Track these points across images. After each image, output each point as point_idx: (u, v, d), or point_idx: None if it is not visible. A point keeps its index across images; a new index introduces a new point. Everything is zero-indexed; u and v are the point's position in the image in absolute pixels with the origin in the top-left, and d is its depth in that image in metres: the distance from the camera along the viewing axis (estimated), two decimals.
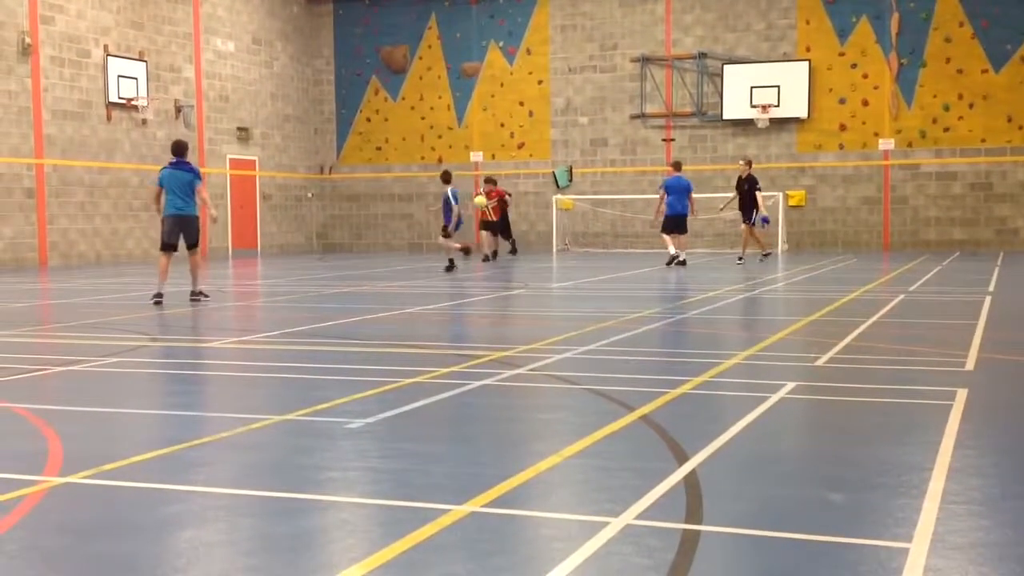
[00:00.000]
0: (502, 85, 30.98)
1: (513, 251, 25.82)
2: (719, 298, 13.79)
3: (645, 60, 29.74)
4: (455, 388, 6.87)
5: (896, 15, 27.78)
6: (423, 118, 31.75)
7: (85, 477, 4.66)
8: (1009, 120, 27.21)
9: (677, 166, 21.67)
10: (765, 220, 21.40)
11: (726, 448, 5.12)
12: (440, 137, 31.63)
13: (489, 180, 25.33)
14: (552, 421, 6.11)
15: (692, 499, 4.25)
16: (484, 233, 24.39)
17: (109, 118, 25.29)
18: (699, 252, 26.79)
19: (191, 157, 14.38)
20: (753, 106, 28.49)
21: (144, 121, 26.24)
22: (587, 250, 29.44)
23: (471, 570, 3.47)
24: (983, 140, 27.40)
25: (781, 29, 28.74)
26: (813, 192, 28.71)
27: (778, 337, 9.40)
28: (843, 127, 28.41)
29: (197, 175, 13.67)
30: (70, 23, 24.28)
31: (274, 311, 13.32)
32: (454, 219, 20.06)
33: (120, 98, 25.33)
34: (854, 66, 28.23)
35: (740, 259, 21.52)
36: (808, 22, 28.50)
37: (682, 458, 4.90)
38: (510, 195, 26.24)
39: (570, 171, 30.45)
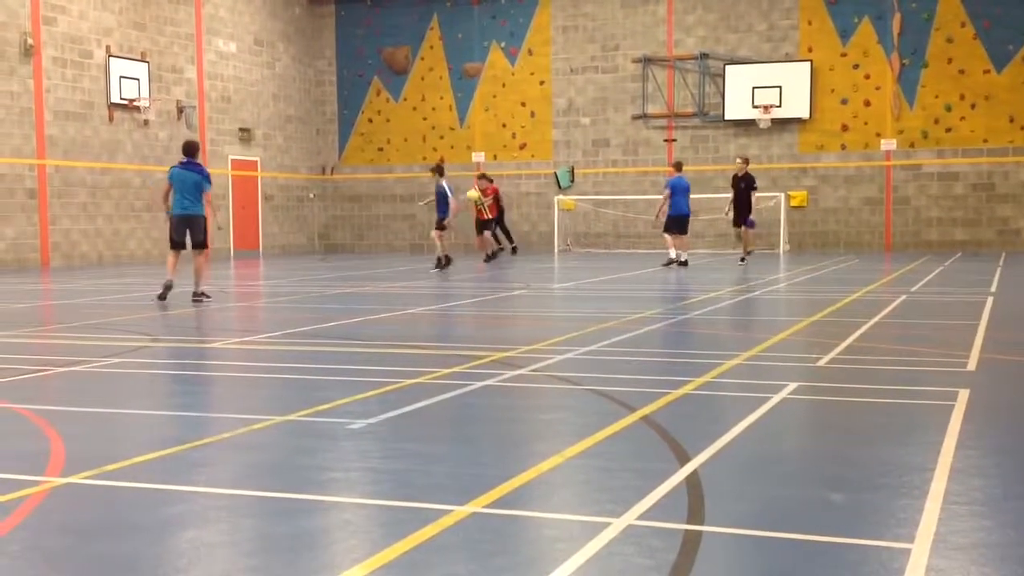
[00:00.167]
0: (504, 86, 30.98)
1: (513, 251, 25.54)
2: (721, 299, 13.78)
3: (647, 61, 29.74)
4: (457, 389, 6.87)
5: (898, 15, 27.77)
6: (425, 119, 31.76)
7: (87, 477, 4.67)
8: (1011, 120, 27.20)
9: (679, 166, 21.67)
10: (749, 223, 21.25)
11: (728, 449, 5.11)
12: (442, 138, 31.64)
13: (484, 177, 24.96)
14: (554, 422, 6.11)
15: (694, 499, 4.25)
16: (484, 234, 24.12)
17: (111, 119, 25.30)
18: (701, 253, 26.78)
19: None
20: (755, 107, 28.49)
21: (146, 122, 26.26)
22: (589, 250, 29.44)
23: (473, 571, 3.47)
24: (985, 140, 27.39)
25: (783, 30, 28.74)
26: (815, 193, 28.70)
27: (780, 337, 9.39)
28: (845, 127, 28.40)
29: (206, 178, 13.78)
30: (72, 24, 24.30)
31: (276, 312, 13.32)
32: (452, 213, 19.87)
33: (122, 99, 25.35)
34: (856, 67, 28.22)
35: (742, 259, 21.49)
36: (810, 23, 28.49)
37: (684, 459, 4.89)
38: (499, 194, 25.77)
39: (572, 172, 30.45)
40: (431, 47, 31.61)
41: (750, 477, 4.69)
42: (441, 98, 31.57)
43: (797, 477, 4.75)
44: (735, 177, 21.37)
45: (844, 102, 28.34)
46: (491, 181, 25.22)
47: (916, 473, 4.68)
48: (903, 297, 13.41)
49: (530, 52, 30.73)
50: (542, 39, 30.62)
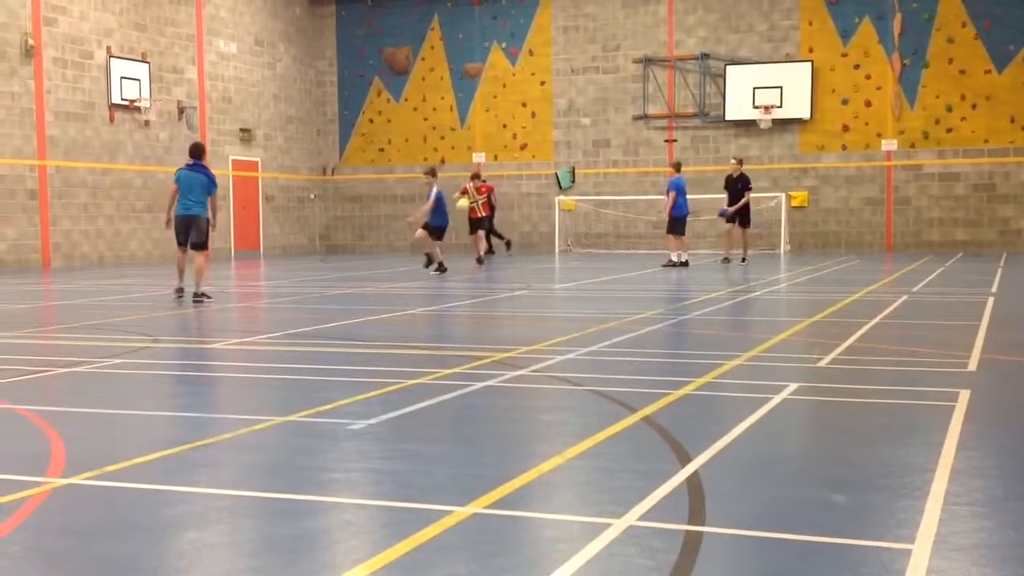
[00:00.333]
0: (504, 86, 30.98)
1: (508, 245, 25.24)
2: (721, 299, 13.78)
3: (647, 61, 29.74)
4: (457, 389, 6.87)
5: (899, 16, 27.77)
6: (426, 119, 31.77)
7: (88, 478, 4.67)
8: (1012, 121, 27.19)
9: (679, 167, 21.67)
10: (723, 213, 21.23)
11: (729, 449, 5.11)
12: (443, 138, 31.64)
13: (475, 176, 24.57)
14: (554, 422, 6.11)
15: (695, 500, 4.25)
16: (477, 233, 23.83)
17: (112, 119, 25.31)
18: (702, 253, 26.78)
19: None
20: (755, 107, 28.49)
21: (147, 123, 26.26)
22: (589, 251, 29.44)
23: (473, 571, 3.47)
24: (986, 141, 27.39)
25: (783, 30, 28.74)
26: (816, 193, 28.70)
27: (780, 338, 9.39)
28: (846, 128, 28.40)
29: (212, 180, 13.99)
30: (73, 25, 24.31)
31: (277, 312, 13.32)
32: (423, 213, 19.37)
33: (123, 99, 25.36)
34: (857, 67, 28.22)
35: (743, 260, 21.49)
36: (811, 23, 28.49)
37: (685, 459, 4.89)
38: (494, 192, 25.35)
39: (572, 172, 30.46)
40: (432, 47, 31.61)
41: (751, 478, 4.69)
42: (442, 98, 31.58)
43: (798, 478, 4.75)
44: (729, 178, 21.30)
45: (845, 102, 28.34)
46: (482, 180, 24.92)
47: (917, 474, 4.67)
48: (904, 297, 13.41)
49: (531, 52, 30.73)
50: (543, 39, 30.63)
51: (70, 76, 24.27)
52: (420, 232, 19.51)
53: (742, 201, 20.89)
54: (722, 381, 7.15)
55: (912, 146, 27.97)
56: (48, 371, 8.09)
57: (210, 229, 14.01)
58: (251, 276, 20.85)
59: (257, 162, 30.25)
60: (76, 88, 24.42)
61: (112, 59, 25.12)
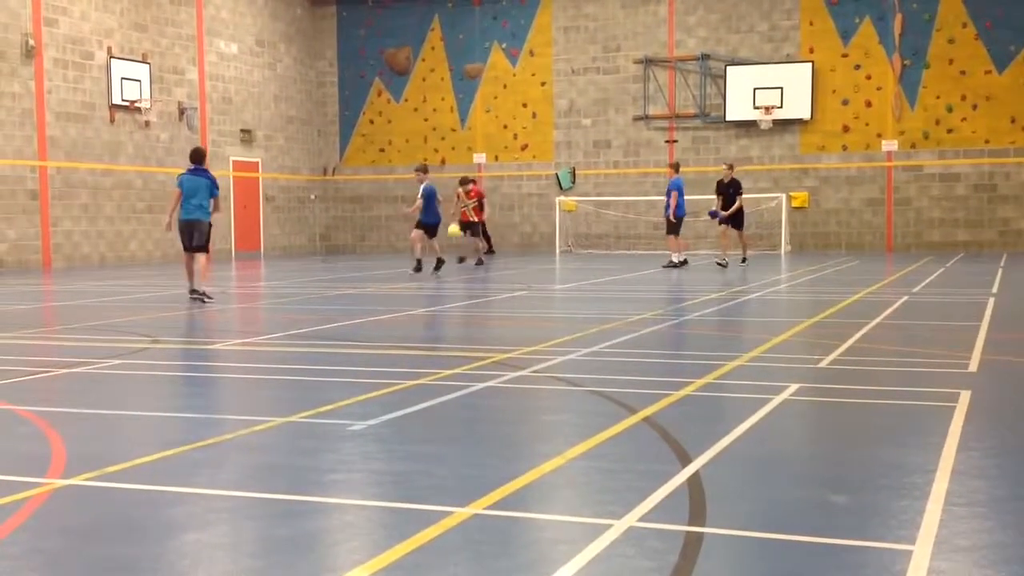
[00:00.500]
0: (505, 87, 30.99)
1: (490, 250, 24.71)
2: (722, 300, 13.78)
3: (648, 62, 29.75)
4: (458, 390, 6.87)
5: (899, 16, 27.77)
6: (426, 120, 31.78)
7: (88, 479, 4.67)
8: (1012, 121, 27.19)
9: (678, 167, 21.61)
10: (714, 214, 21.14)
11: (729, 450, 5.11)
12: (443, 139, 31.65)
13: (465, 180, 23.53)
14: (555, 423, 6.11)
15: (695, 501, 4.25)
16: (469, 237, 23.05)
17: (112, 120, 25.32)
18: (703, 254, 26.77)
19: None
20: (756, 107, 28.49)
21: (147, 123, 26.27)
22: (590, 252, 29.44)
23: (474, 572, 3.47)
24: (986, 141, 27.39)
25: (784, 30, 28.74)
26: (816, 193, 28.70)
27: (781, 339, 9.39)
28: (846, 128, 28.40)
29: (214, 183, 14.19)
30: (73, 25, 24.31)
31: (277, 313, 13.33)
32: (414, 209, 19.12)
33: (123, 100, 25.37)
34: (857, 67, 28.22)
35: (743, 260, 21.46)
36: (811, 23, 28.49)
37: (685, 460, 4.89)
38: (484, 196, 24.49)
39: (573, 173, 30.46)
40: (432, 48, 31.62)
41: (752, 478, 4.69)
42: (442, 99, 31.59)
43: (799, 478, 4.75)
44: (720, 183, 21.15)
45: (845, 103, 28.34)
46: (474, 182, 24.00)
47: (917, 474, 4.67)
48: (905, 298, 13.41)
49: (531, 53, 30.73)
50: (543, 40, 30.63)
51: (71, 77, 24.28)
52: (416, 232, 19.33)
53: (734, 207, 20.79)
54: (723, 382, 7.15)
55: (912, 146, 27.97)
56: (49, 372, 8.09)
57: (211, 231, 14.20)
58: (251, 276, 20.86)
59: (258, 163, 30.26)
60: (77, 89, 24.43)
61: (113, 60, 25.13)
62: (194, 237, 13.99)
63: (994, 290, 14.51)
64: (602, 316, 11.58)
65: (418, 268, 19.53)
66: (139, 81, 25.73)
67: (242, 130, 29.53)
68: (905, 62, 27.84)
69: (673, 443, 5.29)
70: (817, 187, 28.70)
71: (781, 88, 28.29)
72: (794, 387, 6.83)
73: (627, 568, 3.50)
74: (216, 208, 14.15)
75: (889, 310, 11.91)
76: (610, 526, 3.88)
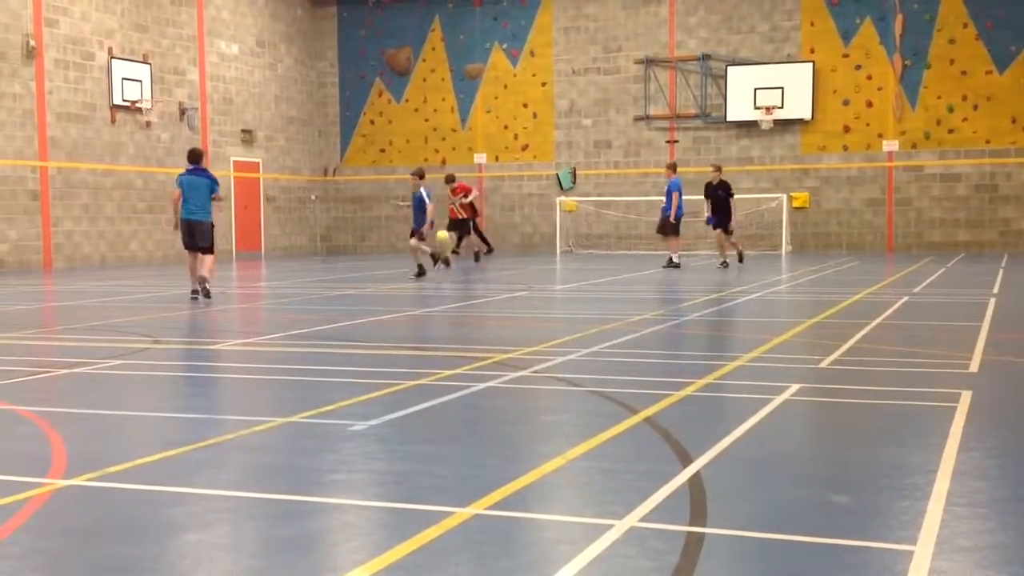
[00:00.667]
0: (506, 87, 30.99)
1: (476, 257, 23.37)
2: (722, 300, 13.78)
3: (649, 62, 29.75)
4: (459, 390, 6.87)
5: (900, 16, 27.77)
6: (427, 120, 31.78)
7: (89, 479, 4.67)
8: (1013, 121, 27.19)
9: (675, 167, 21.55)
10: (711, 221, 20.99)
11: (730, 450, 5.11)
12: (444, 139, 31.66)
13: (449, 179, 23.18)
14: (556, 423, 6.11)
15: (696, 501, 4.24)
16: (454, 235, 22.53)
17: (113, 120, 25.33)
18: (704, 254, 26.77)
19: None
20: (757, 108, 28.49)
21: (148, 124, 26.28)
22: (591, 252, 29.43)
23: (475, 572, 3.47)
24: (987, 141, 27.38)
25: (785, 31, 28.74)
26: (817, 194, 28.70)
27: (782, 339, 9.39)
28: (847, 129, 28.40)
29: (214, 181, 14.37)
30: (74, 26, 24.32)
31: (278, 313, 13.33)
32: (428, 219, 18.54)
33: (124, 100, 25.38)
34: (858, 67, 28.22)
35: (740, 260, 21.37)
36: (812, 24, 28.49)
37: (686, 460, 4.89)
38: (472, 192, 23.60)
39: (574, 173, 30.47)
40: (433, 48, 31.62)
41: (753, 479, 4.69)
42: (443, 99, 31.59)
43: (800, 479, 4.74)
44: (709, 184, 21.01)
45: (846, 103, 28.33)
46: (455, 180, 23.21)
47: (919, 475, 4.67)
48: (905, 298, 13.41)
49: (532, 53, 30.74)
50: (544, 40, 30.63)
51: (71, 77, 24.29)
52: (414, 240, 18.63)
53: (732, 209, 20.68)
54: (724, 382, 7.15)
55: (913, 147, 27.97)
56: (50, 372, 8.09)
57: (214, 231, 14.38)
58: (252, 277, 20.86)
59: (258, 163, 30.27)
60: (77, 89, 24.44)
61: (113, 60, 25.14)
62: (196, 237, 14.09)
63: (995, 290, 14.50)
64: (603, 316, 11.58)
65: (442, 262, 19.47)
66: (140, 82, 25.73)
67: (243, 131, 29.54)
68: (906, 62, 27.84)
69: (674, 443, 5.29)
70: (818, 187, 28.70)
71: (782, 88, 28.29)
72: (795, 387, 6.83)
73: (628, 568, 3.50)
74: (218, 199, 14.35)
75: (890, 310, 11.91)
76: (611, 526, 3.88)
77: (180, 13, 27.30)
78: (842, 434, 5.78)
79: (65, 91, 24.11)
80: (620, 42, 30.05)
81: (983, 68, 27.24)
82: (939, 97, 27.63)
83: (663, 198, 21.28)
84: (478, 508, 4.14)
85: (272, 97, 30.76)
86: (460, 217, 22.51)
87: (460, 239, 23.28)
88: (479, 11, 31.13)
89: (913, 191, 28.07)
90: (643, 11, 29.79)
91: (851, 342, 9.03)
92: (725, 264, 20.53)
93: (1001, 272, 18.40)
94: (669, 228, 20.85)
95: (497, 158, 31.23)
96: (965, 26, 27.33)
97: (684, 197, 20.87)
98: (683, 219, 21.05)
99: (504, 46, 30.96)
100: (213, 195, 14.22)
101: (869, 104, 28.18)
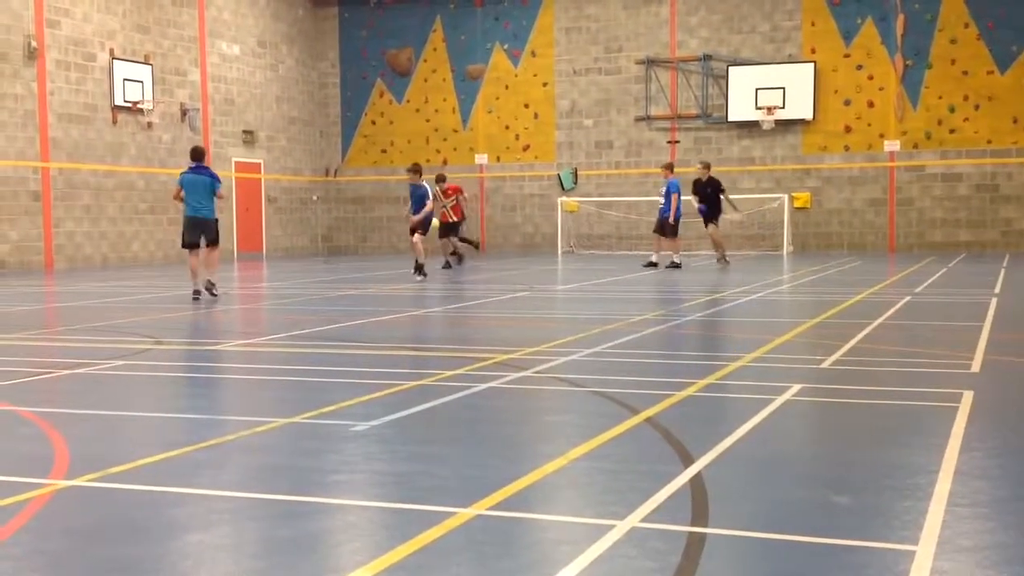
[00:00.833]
0: (507, 87, 30.99)
1: (460, 260, 22.39)
2: (724, 300, 13.78)
3: (650, 62, 29.75)
4: (460, 391, 6.87)
5: (901, 16, 27.77)
6: (428, 120, 31.78)
7: (91, 480, 4.67)
8: (1015, 122, 27.18)
9: (672, 168, 21.51)
10: (703, 210, 20.90)
11: (732, 450, 5.11)
12: (445, 140, 31.66)
13: (440, 178, 22.51)
14: (558, 423, 6.11)
15: (698, 502, 4.24)
16: (442, 240, 21.92)
17: (115, 121, 25.34)
18: (704, 254, 26.76)
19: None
20: (758, 108, 28.48)
21: (150, 124, 26.29)
22: (592, 252, 29.44)
23: (477, 573, 3.47)
24: (989, 141, 27.37)
25: (786, 31, 28.73)
26: (818, 194, 28.69)
27: (783, 339, 9.38)
28: (848, 129, 28.39)
29: (215, 178, 14.61)
30: (76, 27, 24.33)
31: (279, 314, 13.33)
32: (422, 215, 18.17)
33: (126, 101, 25.39)
34: (859, 68, 28.21)
35: (725, 259, 21.23)
36: (813, 24, 28.49)
37: (688, 460, 4.89)
38: (463, 193, 22.87)
39: (575, 173, 30.47)
40: (434, 49, 31.63)
41: (754, 479, 4.69)
42: (444, 100, 31.59)
43: (801, 479, 4.74)
44: (698, 181, 20.95)
45: (847, 103, 28.33)
46: (446, 180, 22.63)
47: (920, 475, 4.67)
48: (907, 298, 13.40)
49: (533, 54, 30.74)
50: (545, 41, 30.63)
51: (73, 78, 24.30)
52: (417, 236, 18.29)
53: (724, 204, 20.67)
54: (725, 382, 7.15)
55: (915, 147, 27.96)
56: (51, 373, 8.10)
57: (218, 225, 14.73)
58: (254, 277, 20.86)
59: (260, 164, 30.28)
60: (79, 90, 24.45)
61: (115, 61, 25.16)
62: (204, 234, 14.46)
63: (996, 290, 14.50)
64: (604, 317, 11.58)
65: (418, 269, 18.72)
66: (141, 82, 25.75)
67: (244, 131, 29.54)
68: (907, 62, 27.83)
69: (675, 444, 5.29)
70: (819, 187, 28.69)
71: (783, 88, 28.29)
72: (796, 387, 6.83)
73: (630, 569, 3.50)
74: (220, 197, 14.64)
75: (891, 310, 11.91)
76: (613, 527, 3.88)
77: (181, 14, 27.31)
78: (844, 434, 5.77)
79: (67, 92, 24.12)
80: (621, 42, 30.05)
81: (984, 68, 27.23)
82: (940, 97, 27.63)
83: (661, 199, 21.18)
84: (480, 508, 4.14)
85: (273, 98, 30.77)
86: (451, 220, 22.09)
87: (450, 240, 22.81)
88: (480, 11, 31.14)
89: (914, 191, 28.06)
90: (644, 11, 29.79)
91: (853, 342, 9.03)
92: (725, 259, 20.54)
93: (1002, 272, 18.40)
94: (668, 229, 20.84)
95: (498, 158, 31.24)
96: (966, 26, 27.32)
97: (682, 197, 20.86)
98: (681, 220, 21.04)
99: (505, 46, 30.96)
100: (215, 192, 14.49)
101: (870, 104, 28.18)
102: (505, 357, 8.39)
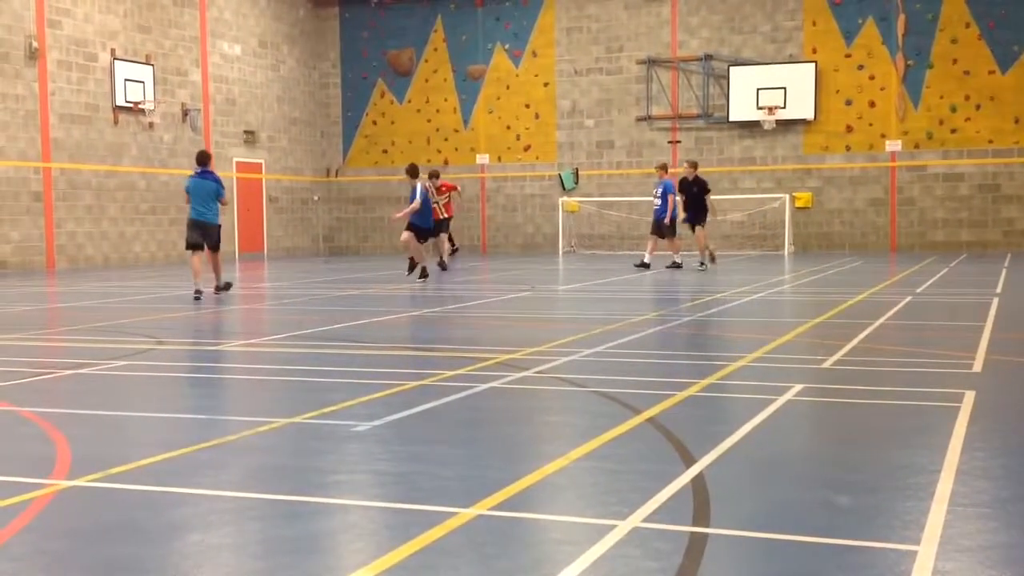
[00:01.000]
0: (508, 87, 31.00)
1: (448, 257, 21.90)
2: (725, 300, 13.77)
3: (651, 62, 29.74)
4: (462, 391, 6.87)
5: (902, 16, 27.76)
6: (429, 121, 31.79)
7: (93, 480, 4.67)
8: (1016, 121, 27.17)
9: (666, 168, 21.41)
10: (688, 218, 20.77)
11: (733, 450, 5.11)
12: (446, 140, 31.66)
13: (434, 175, 22.10)
14: (559, 424, 6.11)
15: (699, 501, 4.24)
16: (439, 236, 21.34)
17: (116, 122, 25.35)
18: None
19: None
20: (759, 108, 28.48)
21: (151, 125, 26.30)
22: (593, 252, 29.43)
23: (478, 573, 3.47)
24: (990, 141, 27.36)
25: (787, 31, 28.73)
26: (820, 194, 28.69)
27: (785, 339, 9.38)
28: (850, 129, 28.38)
29: (220, 185, 15.00)
30: (77, 27, 24.34)
31: (281, 314, 13.33)
32: (405, 213, 17.80)
33: (127, 102, 25.40)
34: (861, 67, 28.20)
35: (711, 261, 21.03)
36: (814, 23, 28.48)
37: (689, 460, 4.89)
38: (458, 190, 22.67)
39: (576, 173, 30.46)
40: (435, 49, 31.63)
41: (756, 479, 4.69)
42: (445, 100, 31.60)
43: (803, 479, 4.74)
44: (684, 180, 20.85)
45: (849, 103, 28.32)
46: (440, 179, 22.32)
47: (922, 475, 4.67)
48: (908, 298, 13.40)
49: (534, 54, 30.74)
50: (546, 41, 30.63)
51: (74, 79, 24.31)
52: (406, 234, 17.92)
53: (708, 205, 20.48)
54: (726, 382, 7.15)
55: (916, 147, 27.95)
56: (53, 373, 8.10)
57: (219, 231, 15.13)
58: (255, 278, 20.87)
59: (261, 164, 30.28)
60: (80, 90, 24.46)
61: (116, 61, 25.17)
62: (205, 238, 14.81)
63: (998, 290, 14.49)
64: (605, 317, 11.58)
65: (413, 268, 18.12)
66: (142, 83, 25.76)
67: (245, 131, 29.55)
68: (908, 62, 27.83)
69: (677, 444, 5.29)
70: (820, 187, 28.69)
71: (784, 88, 28.28)
72: (798, 387, 6.83)
73: (632, 569, 3.50)
74: (223, 203, 15.05)
75: (893, 310, 11.90)
76: (614, 527, 3.88)
77: (183, 14, 27.32)
78: (845, 434, 5.77)
79: (68, 92, 24.13)
80: (622, 42, 30.05)
81: (986, 68, 27.22)
82: (942, 97, 27.62)
83: (656, 200, 20.96)
84: (481, 509, 4.14)
85: (274, 98, 30.77)
86: (442, 217, 21.82)
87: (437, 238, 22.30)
88: (481, 12, 31.14)
89: (916, 191, 28.05)
90: (645, 11, 29.79)
91: (854, 342, 9.03)
92: (706, 262, 20.38)
93: (1004, 272, 18.39)
94: (666, 230, 20.79)
95: (499, 159, 31.24)
96: (967, 26, 27.31)
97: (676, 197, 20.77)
98: (678, 219, 20.97)
99: (506, 47, 30.97)
100: (219, 199, 14.85)
101: (872, 104, 28.17)
102: (506, 357, 8.39)
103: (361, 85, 32.42)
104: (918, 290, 14.73)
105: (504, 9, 30.92)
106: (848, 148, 28.42)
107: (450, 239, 22.93)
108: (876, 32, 28.06)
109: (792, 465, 5.02)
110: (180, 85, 27.27)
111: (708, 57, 29.26)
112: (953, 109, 27.54)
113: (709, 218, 20.73)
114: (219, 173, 16.00)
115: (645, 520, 3.97)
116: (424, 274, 17.67)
